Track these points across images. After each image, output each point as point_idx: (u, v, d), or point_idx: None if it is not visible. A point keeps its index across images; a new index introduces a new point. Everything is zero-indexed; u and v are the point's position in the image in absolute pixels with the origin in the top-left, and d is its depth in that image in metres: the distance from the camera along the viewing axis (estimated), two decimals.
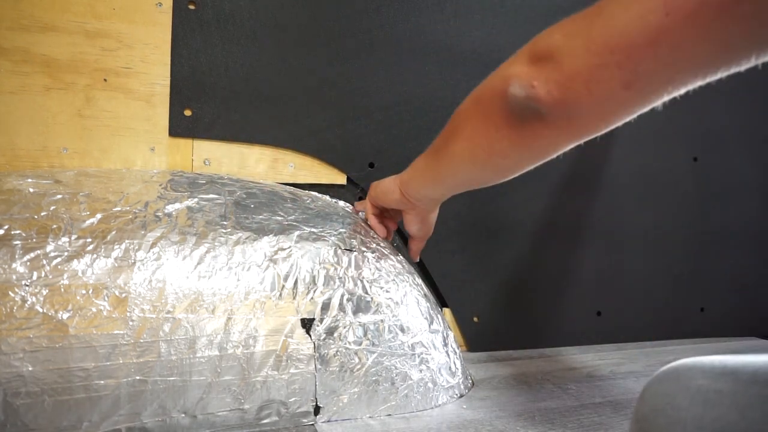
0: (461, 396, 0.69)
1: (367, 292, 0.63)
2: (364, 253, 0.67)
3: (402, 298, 0.66)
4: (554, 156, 0.48)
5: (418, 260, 0.79)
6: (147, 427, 0.52)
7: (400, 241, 0.87)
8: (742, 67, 0.36)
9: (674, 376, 0.39)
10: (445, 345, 0.69)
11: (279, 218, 0.66)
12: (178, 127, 0.75)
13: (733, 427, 0.34)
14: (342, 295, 0.62)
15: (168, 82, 0.74)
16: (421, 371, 0.64)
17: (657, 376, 0.40)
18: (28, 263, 0.51)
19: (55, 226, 0.54)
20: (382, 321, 0.63)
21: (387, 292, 0.65)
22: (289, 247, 0.62)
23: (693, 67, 0.36)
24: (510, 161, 0.50)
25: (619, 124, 0.42)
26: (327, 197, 0.82)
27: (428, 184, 0.62)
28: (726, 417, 0.35)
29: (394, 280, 0.67)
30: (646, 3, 0.35)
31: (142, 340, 0.52)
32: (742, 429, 0.34)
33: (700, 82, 0.37)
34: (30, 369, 0.48)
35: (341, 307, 0.61)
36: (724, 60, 0.35)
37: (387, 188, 0.68)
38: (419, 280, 0.74)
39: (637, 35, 0.35)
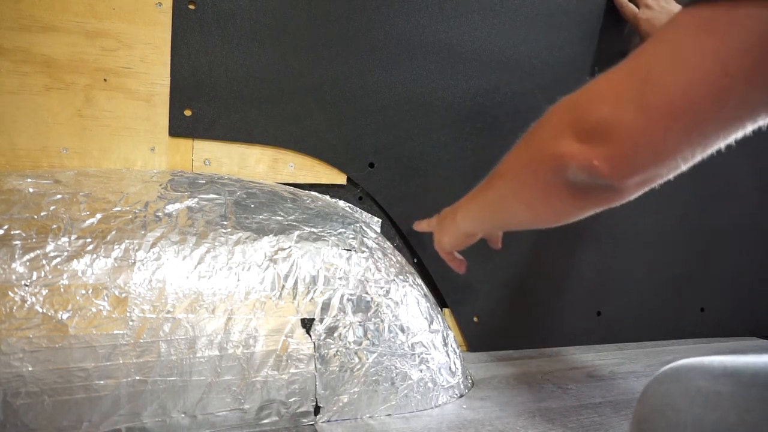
0: (461, 396, 0.69)
1: (367, 292, 0.63)
2: (364, 253, 0.67)
3: (402, 298, 0.66)
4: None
5: (500, 246, 0.79)
6: (147, 427, 0.52)
7: (400, 240, 0.87)
8: None
9: (674, 377, 0.39)
10: (445, 345, 0.69)
11: (279, 218, 0.66)
12: (178, 127, 0.75)
13: (733, 430, 0.34)
14: (342, 295, 0.62)
15: (168, 82, 0.74)
16: (421, 371, 0.64)
17: (657, 377, 0.40)
18: (28, 263, 0.51)
19: (55, 226, 0.54)
20: (382, 321, 0.63)
21: (387, 292, 0.65)
22: (289, 247, 0.62)
23: (752, 115, 0.37)
24: (579, 217, 0.50)
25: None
26: (327, 197, 0.81)
27: (487, 227, 0.65)
28: (726, 419, 0.35)
29: (394, 280, 0.67)
30: (703, 65, 0.35)
31: (142, 340, 0.52)
32: (741, 431, 0.34)
33: (759, 123, 0.39)
34: (30, 369, 0.48)
35: (341, 307, 0.61)
36: None
37: (450, 241, 0.68)
38: (419, 280, 0.73)
39: (701, 98, 0.36)
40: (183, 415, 0.53)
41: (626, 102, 0.38)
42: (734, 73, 0.35)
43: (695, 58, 0.36)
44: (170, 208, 0.61)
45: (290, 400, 0.57)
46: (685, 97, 0.36)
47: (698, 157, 0.40)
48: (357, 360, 0.60)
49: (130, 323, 0.52)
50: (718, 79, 0.35)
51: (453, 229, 0.66)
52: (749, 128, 0.39)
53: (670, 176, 0.42)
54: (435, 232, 0.72)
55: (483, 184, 0.58)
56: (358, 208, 0.84)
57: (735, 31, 0.35)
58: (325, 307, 0.60)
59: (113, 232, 0.56)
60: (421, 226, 0.79)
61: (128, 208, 0.59)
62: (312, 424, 0.58)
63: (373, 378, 0.61)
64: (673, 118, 0.37)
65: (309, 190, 0.81)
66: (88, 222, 0.56)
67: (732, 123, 0.38)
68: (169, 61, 0.74)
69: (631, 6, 0.91)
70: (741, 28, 0.35)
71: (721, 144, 0.40)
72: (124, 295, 0.53)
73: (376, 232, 0.76)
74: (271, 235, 0.62)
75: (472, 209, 0.62)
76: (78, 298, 0.51)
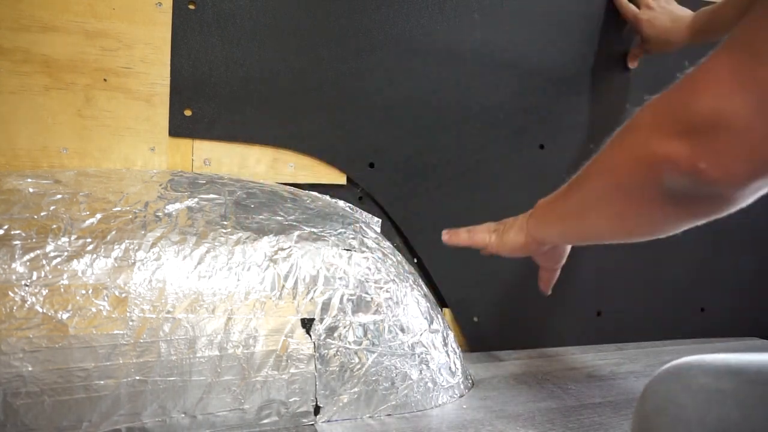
0: (461, 396, 0.69)
1: (367, 292, 0.63)
2: (364, 253, 0.66)
3: (402, 298, 0.66)
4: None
5: (549, 293, 0.74)
6: (147, 427, 0.52)
7: (400, 240, 0.87)
8: None
9: (676, 374, 0.39)
10: (445, 345, 0.69)
11: (279, 218, 0.66)
12: (178, 127, 0.75)
13: (736, 427, 0.34)
14: (342, 295, 0.62)
15: (168, 82, 0.74)
16: (421, 371, 0.64)
17: (659, 374, 0.40)
18: (28, 263, 0.51)
19: (55, 226, 0.54)
20: (382, 321, 0.63)
21: (387, 292, 0.65)
22: (289, 247, 0.62)
23: None
24: (675, 232, 0.43)
25: None
26: (327, 197, 0.81)
27: (562, 239, 0.58)
28: (729, 416, 0.35)
29: (394, 280, 0.67)
30: None
31: (142, 340, 0.52)
32: (745, 428, 0.34)
33: None
34: (30, 369, 0.48)
35: (341, 307, 0.61)
36: None
37: (515, 241, 0.63)
38: (419, 280, 0.73)
39: None
40: (183, 415, 0.53)
41: (734, 83, 0.30)
42: None
43: None
44: (170, 208, 0.61)
45: (290, 400, 0.57)
46: None
47: None
48: (357, 360, 0.60)
49: (130, 323, 0.52)
50: None
51: (520, 233, 0.62)
52: None
53: None
54: (494, 238, 0.66)
55: (563, 191, 0.53)
56: (358, 208, 0.84)
57: None
58: (325, 307, 0.60)
59: (113, 232, 0.56)
60: (459, 237, 0.70)
61: (128, 208, 0.59)
62: (312, 424, 0.58)
63: (373, 378, 0.61)
64: None
65: (309, 190, 0.81)
66: (88, 222, 0.56)
67: None
68: (169, 61, 0.74)
69: (632, 6, 0.91)
70: None
71: None
72: (124, 295, 0.53)
73: (376, 232, 0.76)
74: (271, 235, 0.62)
75: (548, 218, 0.57)
76: (78, 298, 0.51)
